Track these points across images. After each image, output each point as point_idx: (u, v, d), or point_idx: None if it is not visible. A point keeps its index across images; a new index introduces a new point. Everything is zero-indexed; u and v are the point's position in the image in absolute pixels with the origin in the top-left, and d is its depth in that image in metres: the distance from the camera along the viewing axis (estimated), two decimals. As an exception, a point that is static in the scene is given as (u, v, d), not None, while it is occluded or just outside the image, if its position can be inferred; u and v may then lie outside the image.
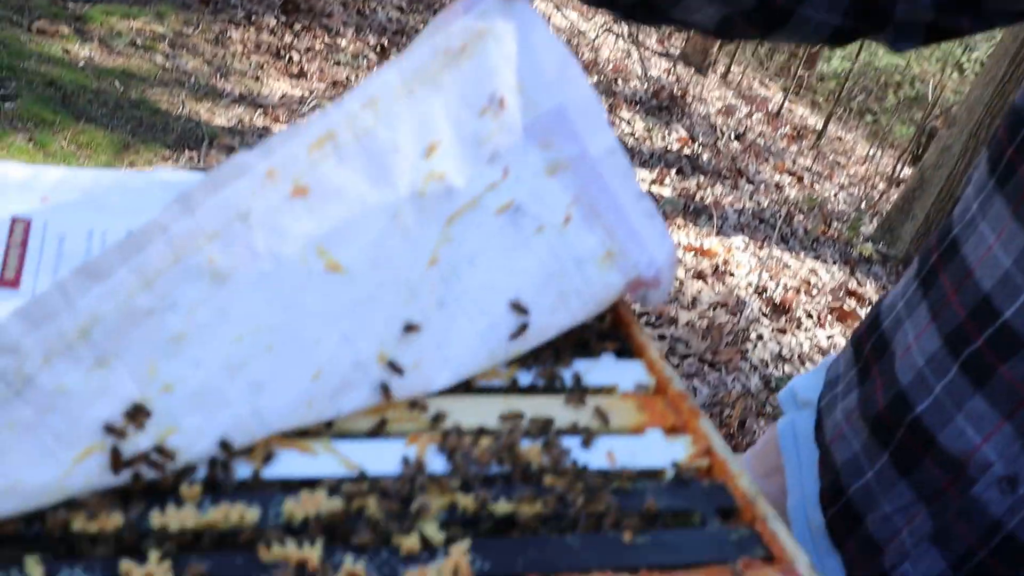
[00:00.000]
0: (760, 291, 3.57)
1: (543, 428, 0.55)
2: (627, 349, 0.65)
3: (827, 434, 0.86)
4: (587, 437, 0.55)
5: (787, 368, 3.17)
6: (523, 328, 0.59)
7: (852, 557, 0.80)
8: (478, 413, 0.56)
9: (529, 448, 0.54)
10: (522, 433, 0.55)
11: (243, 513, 0.46)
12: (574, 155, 0.62)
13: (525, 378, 0.60)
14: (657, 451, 0.56)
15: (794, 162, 5.79)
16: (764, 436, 1.03)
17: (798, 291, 3.72)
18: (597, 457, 0.55)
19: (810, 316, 3.57)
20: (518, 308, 0.59)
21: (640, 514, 0.51)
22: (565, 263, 0.61)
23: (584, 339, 0.64)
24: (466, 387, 0.59)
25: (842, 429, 0.83)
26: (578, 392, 0.60)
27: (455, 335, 0.58)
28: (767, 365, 3.14)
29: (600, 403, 0.59)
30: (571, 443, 0.55)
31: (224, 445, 0.49)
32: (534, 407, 0.57)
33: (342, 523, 0.47)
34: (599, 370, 0.62)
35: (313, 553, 0.45)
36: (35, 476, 0.45)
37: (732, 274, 3.63)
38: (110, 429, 0.47)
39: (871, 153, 7.22)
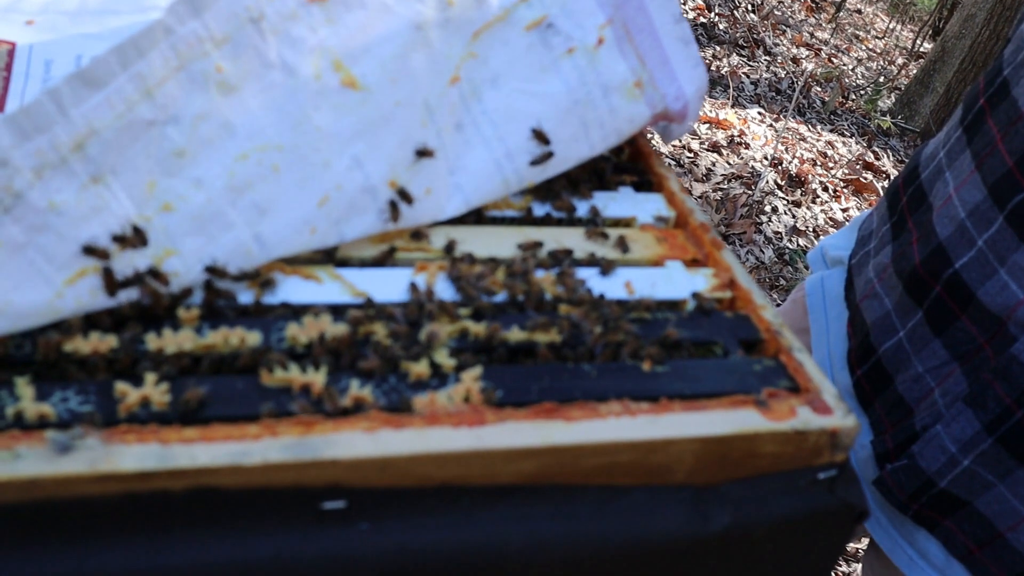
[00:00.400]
0: (775, 163, 3.50)
1: (559, 257, 0.53)
2: (646, 182, 0.62)
3: (858, 292, 0.82)
4: (605, 266, 0.53)
5: (802, 241, 3.14)
6: (546, 157, 0.56)
7: (880, 418, 0.78)
8: (491, 243, 0.53)
9: (544, 277, 0.51)
10: (537, 262, 0.52)
11: (243, 337, 0.44)
12: None
13: (540, 209, 0.57)
14: (678, 283, 0.53)
15: (812, 35, 5.63)
16: (791, 295, 1.00)
17: (814, 164, 3.65)
18: (615, 288, 0.52)
19: (826, 189, 3.52)
20: (540, 136, 0.56)
21: (660, 343, 0.49)
22: (592, 90, 0.57)
23: (600, 171, 0.61)
24: (478, 217, 0.56)
25: (874, 287, 0.80)
26: (595, 223, 0.57)
27: (470, 161, 0.54)
28: (781, 238, 3.11)
29: (620, 233, 0.56)
30: (588, 274, 0.52)
31: (216, 271, 0.46)
32: (550, 238, 0.55)
33: (348, 348, 0.45)
34: (617, 203, 0.59)
35: (317, 377, 0.43)
36: (24, 297, 0.43)
37: (747, 146, 3.57)
38: (97, 251, 0.44)
39: (891, 27, 7.02)
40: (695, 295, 0.52)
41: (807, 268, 2.88)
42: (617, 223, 0.58)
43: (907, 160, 3.96)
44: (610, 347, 0.48)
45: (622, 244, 0.55)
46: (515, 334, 0.48)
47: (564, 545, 0.43)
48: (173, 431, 0.39)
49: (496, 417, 0.43)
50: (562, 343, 0.48)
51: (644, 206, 0.59)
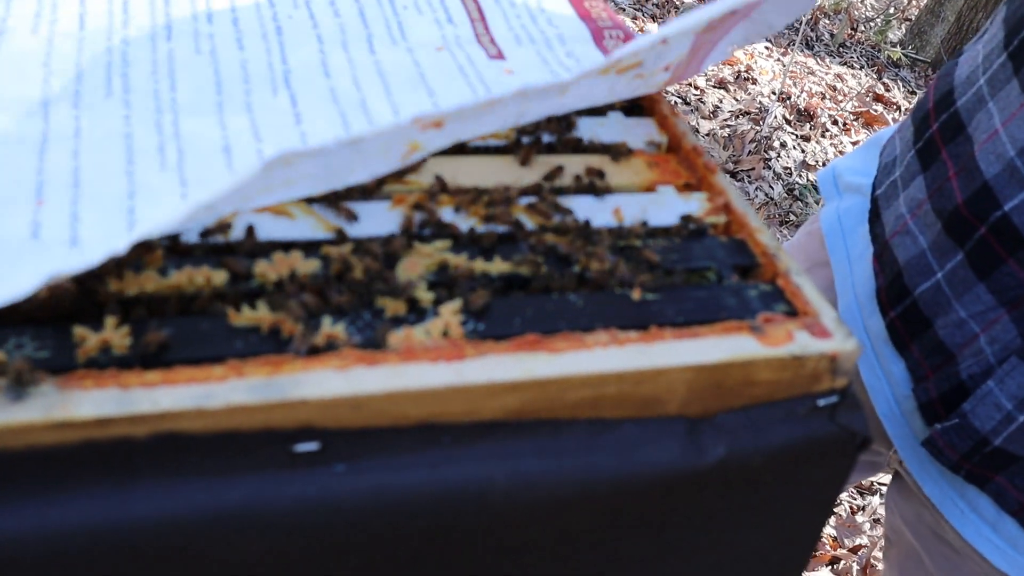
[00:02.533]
0: (783, 98, 3.45)
1: (540, 184, 0.50)
2: (636, 106, 0.59)
3: (887, 228, 0.77)
4: (591, 188, 0.50)
5: (811, 176, 3.09)
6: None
7: (918, 363, 0.74)
8: (474, 172, 0.51)
9: (527, 204, 0.49)
10: (519, 191, 0.50)
11: (209, 276, 0.42)
12: None
13: (526, 138, 0.55)
14: (669, 208, 0.51)
15: (820, -35, 5.52)
16: (804, 228, 0.96)
17: (823, 97, 3.59)
18: (603, 214, 0.50)
19: (835, 123, 3.46)
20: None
21: (650, 271, 0.46)
22: None
23: (588, 95, 0.58)
24: (461, 148, 0.53)
25: (906, 223, 0.75)
26: (583, 149, 0.54)
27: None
28: (791, 173, 3.07)
29: (607, 158, 0.53)
30: (574, 203, 0.50)
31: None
32: (535, 164, 0.52)
33: (320, 285, 0.43)
34: (606, 128, 0.56)
35: (288, 316, 0.41)
36: None
37: (755, 81, 3.51)
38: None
39: (901, -46, 6.87)
40: (685, 217, 0.50)
41: (817, 204, 2.84)
42: (607, 149, 0.55)
43: (918, 90, 3.89)
44: (597, 275, 0.46)
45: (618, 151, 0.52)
46: (497, 265, 0.45)
47: (551, 482, 0.41)
48: (134, 375, 0.37)
49: (476, 351, 0.40)
50: (547, 273, 0.45)
51: (635, 131, 0.56)
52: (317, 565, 0.40)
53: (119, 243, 0.38)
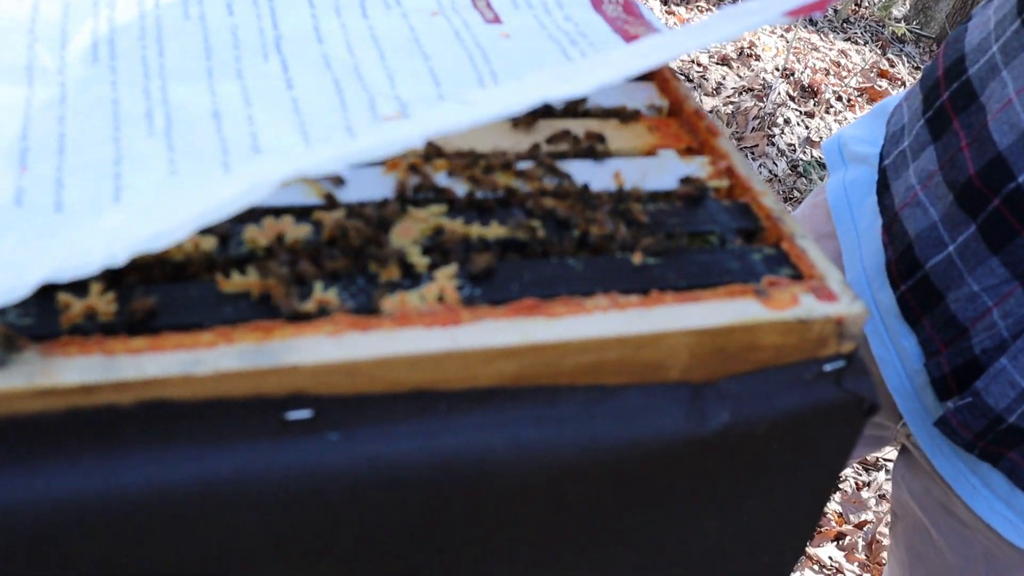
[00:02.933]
0: (787, 74, 3.42)
1: (538, 148, 0.49)
2: (636, 70, 0.57)
3: (896, 200, 0.76)
4: (591, 152, 0.49)
5: (815, 152, 3.07)
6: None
7: (930, 336, 0.72)
8: (469, 137, 0.50)
9: (524, 169, 0.47)
10: (516, 155, 0.48)
11: (197, 242, 0.41)
12: None
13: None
14: (671, 172, 0.50)
15: (823, -60, 5.47)
16: (808, 199, 0.94)
17: (827, 73, 3.57)
18: (603, 178, 0.48)
19: (839, 99, 3.44)
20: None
21: (650, 234, 0.45)
22: None
23: (587, 58, 0.57)
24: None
25: (916, 195, 0.73)
26: (582, 114, 0.53)
27: None
28: (795, 149, 3.05)
29: (616, 122, 0.52)
30: (574, 168, 0.49)
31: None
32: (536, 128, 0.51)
33: (311, 250, 0.42)
34: (606, 92, 0.55)
35: (277, 281, 0.40)
36: None
37: (758, 58, 3.48)
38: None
39: (905, -71, 6.82)
40: (686, 179, 0.48)
41: (822, 180, 2.82)
42: (607, 113, 0.54)
43: (923, 65, 3.86)
44: (596, 239, 0.44)
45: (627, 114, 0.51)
46: (494, 230, 0.44)
47: (550, 450, 0.40)
48: (119, 341, 0.36)
49: (472, 316, 0.39)
50: (545, 237, 0.44)
51: (635, 95, 0.55)
52: (311, 535, 0.39)
53: (114, 235, 0.37)
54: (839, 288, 0.43)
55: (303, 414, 0.37)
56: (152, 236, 0.35)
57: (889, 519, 0.97)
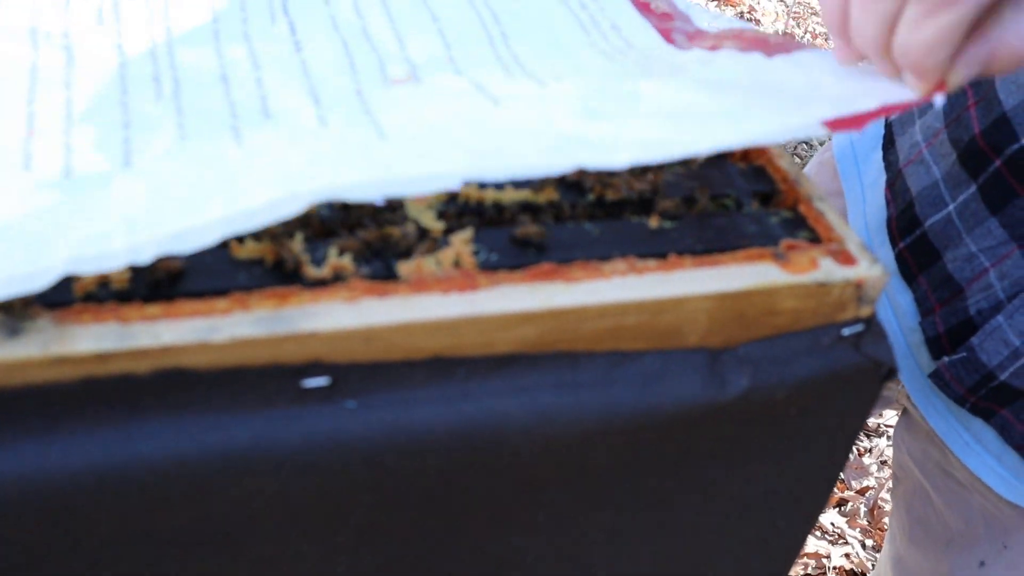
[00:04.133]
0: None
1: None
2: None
3: (901, 156, 0.75)
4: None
5: (815, 118, 3.05)
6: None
7: (925, 294, 0.72)
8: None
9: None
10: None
11: (210, 207, 0.40)
12: None
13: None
14: (685, 135, 0.49)
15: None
16: (817, 156, 0.94)
17: (827, 38, 3.54)
18: (617, 142, 0.48)
19: (840, 64, 3.41)
20: None
21: (667, 198, 0.45)
22: None
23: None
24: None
25: (921, 152, 0.73)
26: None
27: None
28: (795, 116, 3.03)
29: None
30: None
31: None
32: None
33: (326, 215, 0.41)
34: (617, 55, 0.54)
35: (293, 245, 0.39)
36: None
37: (758, 22, 3.45)
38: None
39: None
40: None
41: (822, 145, 2.81)
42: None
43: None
44: (612, 204, 0.44)
45: None
46: (509, 194, 0.43)
47: (569, 416, 0.40)
48: (134, 309, 0.36)
49: (490, 281, 0.39)
50: (560, 201, 0.44)
51: (647, 57, 0.54)
52: (328, 503, 0.39)
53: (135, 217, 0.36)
54: (858, 251, 0.43)
55: (320, 381, 0.37)
56: (177, 235, 0.35)
57: (891, 484, 0.97)
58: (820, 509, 0.50)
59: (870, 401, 0.45)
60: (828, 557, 1.68)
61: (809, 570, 1.67)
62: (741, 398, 0.41)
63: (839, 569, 1.67)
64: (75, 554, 0.36)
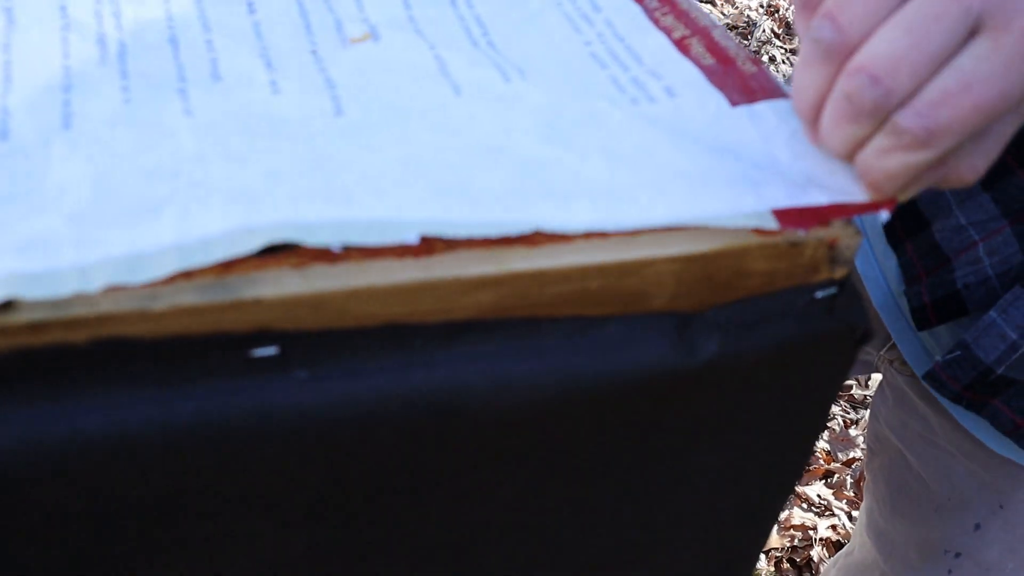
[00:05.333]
0: (772, 11, 3.37)
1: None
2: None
3: None
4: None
5: (801, 91, 3.03)
6: None
7: (911, 262, 0.71)
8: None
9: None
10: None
11: (154, 172, 0.38)
12: None
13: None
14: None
15: None
16: None
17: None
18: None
19: (825, 36, 3.39)
20: None
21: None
22: None
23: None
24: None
25: None
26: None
27: None
28: (780, 88, 3.01)
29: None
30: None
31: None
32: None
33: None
34: None
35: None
36: None
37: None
38: None
39: None
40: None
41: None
42: None
43: None
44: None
45: None
46: (468, 156, 0.42)
47: (531, 384, 0.38)
48: (69, 277, 0.34)
49: (446, 245, 0.37)
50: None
51: None
52: (281, 479, 0.37)
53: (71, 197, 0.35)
54: (831, 211, 0.41)
55: (268, 351, 0.35)
56: (128, 263, 0.33)
57: (867, 456, 0.97)
58: (796, 478, 0.49)
59: (845, 366, 0.44)
60: (815, 529, 1.68)
61: (796, 542, 1.66)
62: (711, 364, 0.40)
63: (826, 541, 1.67)
64: (9, 536, 0.35)
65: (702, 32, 0.50)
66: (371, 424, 0.37)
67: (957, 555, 0.86)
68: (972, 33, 0.34)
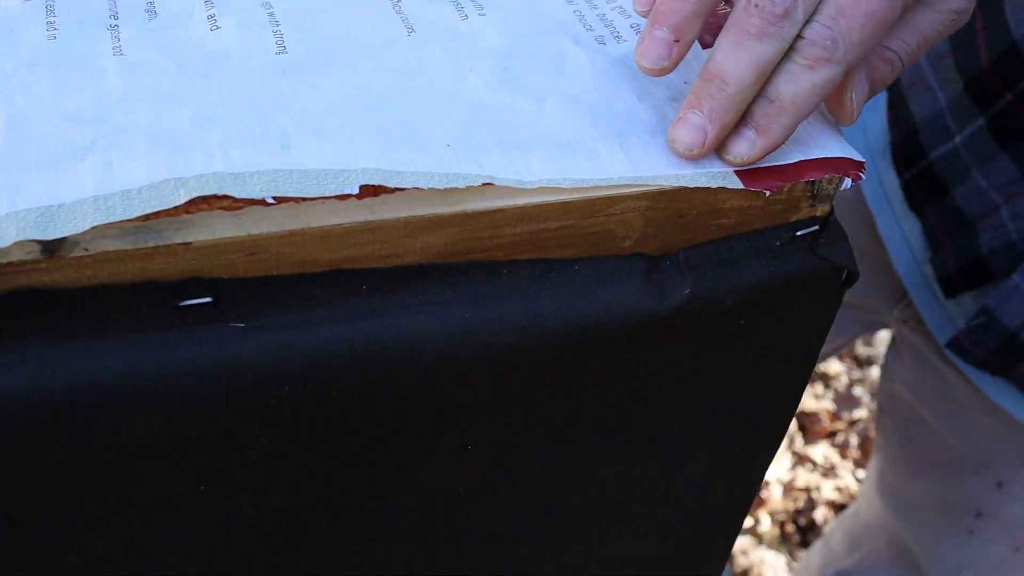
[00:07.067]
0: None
1: None
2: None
3: (903, 77, 0.71)
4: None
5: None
6: None
7: (934, 226, 0.69)
8: None
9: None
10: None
11: (80, 112, 0.36)
12: None
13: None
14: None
15: None
16: None
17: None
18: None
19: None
20: None
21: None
22: None
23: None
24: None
25: (924, 76, 0.68)
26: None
27: None
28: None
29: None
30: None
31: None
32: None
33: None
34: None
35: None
36: None
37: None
38: None
39: None
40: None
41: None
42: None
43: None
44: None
45: None
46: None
47: (489, 332, 0.35)
48: (-22, 222, 0.31)
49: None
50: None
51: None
52: (221, 439, 0.35)
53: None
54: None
55: (201, 301, 0.33)
56: (42, 217, 0.30)
57: (877, 415, 0.94)
58: (783, 430, 0.46)
59: (830, 310, 0.41)
60: (819, 489, 1.66)
61: (799, 504, 1.64)
62: (683, 308, 0.37)
63: (831, 503, 1.65)
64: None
65: None
66: (316, 377, 0.34)
67: (979, 515, 0.83)
68: None
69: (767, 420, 0.45)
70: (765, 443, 0.46)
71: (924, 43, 0.39)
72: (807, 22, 0.35)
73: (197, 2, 0.41)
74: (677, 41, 0.36)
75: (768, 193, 0.37)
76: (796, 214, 0.39)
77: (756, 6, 0.34)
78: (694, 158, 0.36)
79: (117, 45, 0.38)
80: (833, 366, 1.87)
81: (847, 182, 0.38)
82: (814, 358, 0.43)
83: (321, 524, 0.40)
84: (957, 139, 0.65)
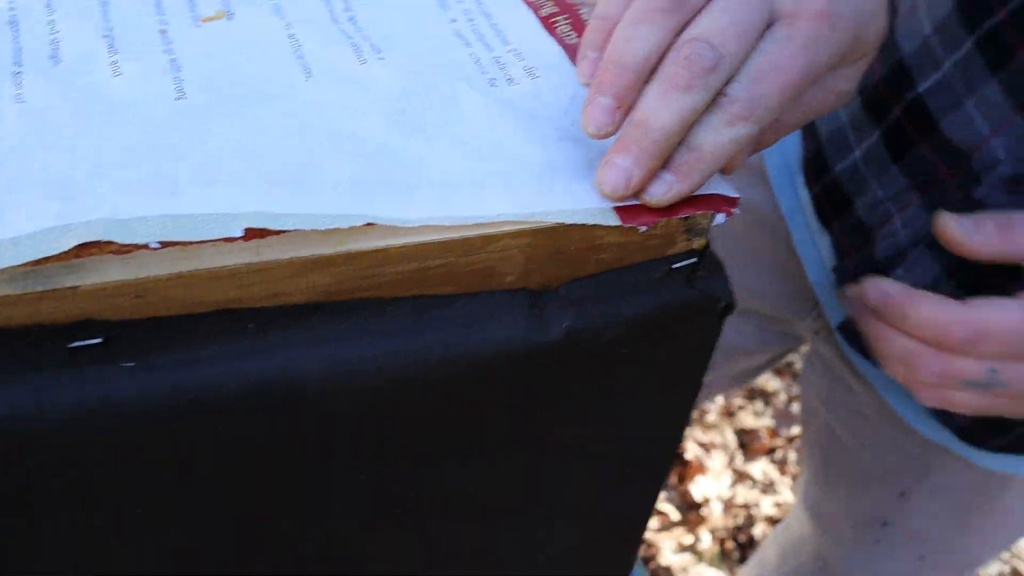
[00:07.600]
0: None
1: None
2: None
3: None
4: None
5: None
6: None
7: (840, 240, 0.72)
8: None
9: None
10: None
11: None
12: None
13: None
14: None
15: None
16: None
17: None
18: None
19: None
20: None
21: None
22: None
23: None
24: None
25: None
26: None
27: None
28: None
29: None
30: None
31: None
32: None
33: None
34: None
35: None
36: None
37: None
38: None
39: None
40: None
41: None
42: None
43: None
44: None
45: None
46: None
47: (375, 368, 0.37)
48: None
49: (279, 227, 0.36)
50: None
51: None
52: (110, 474, 0.36)
53: None
54: (685, 181, 0.40)
55: (92, 342, 0.34)
56: None
57: (802, 427, 0.97)
58: (671, 455, 0.48)
59: (710, 339, 0.43)
60: (758, 506, 1.69)
61: (739, 520, 1.67)
62: (565, 340, 0.39)
63: (770, 519, 1.67)
64: None
65: (570, 10, 0.49)
66: (205, 414, 0.36)
67: (884, 524, 0.86)
68: (771, 21, 0.38)
69: (655, 446, 0.47)
70: (651, 468, 0.48)
71: (806, 117, 0.42)
72: (730, 80, 0.38)
73: (100, 47, 0.42)
74: (619, 108, 0.38)
75: (644, 229, 0.39)
76: (673, 248, 0.41)
77: (686, 58, 0.37)
78: (619, 199, 0.38)
79: (19, 92, 0.39)
80: (772, 383, 1.90)
81: (720, 217, 0.40)
82: (697, 386, 0.45)
83: (212, 562, 0.41)
84: (857, 153, 0.68)
